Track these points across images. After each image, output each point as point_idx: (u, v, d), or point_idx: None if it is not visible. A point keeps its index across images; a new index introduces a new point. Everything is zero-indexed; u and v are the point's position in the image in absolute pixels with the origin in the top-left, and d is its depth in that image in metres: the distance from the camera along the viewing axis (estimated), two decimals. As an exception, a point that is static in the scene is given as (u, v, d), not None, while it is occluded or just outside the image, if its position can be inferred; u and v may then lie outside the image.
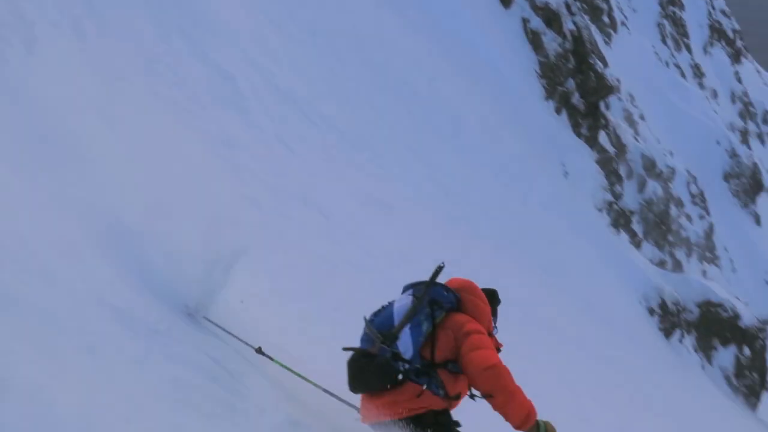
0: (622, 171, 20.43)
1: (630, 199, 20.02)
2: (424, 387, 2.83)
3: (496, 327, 3.16)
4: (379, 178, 8.55)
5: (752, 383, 17.25)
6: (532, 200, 13.15)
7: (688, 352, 16.44)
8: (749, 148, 35.52)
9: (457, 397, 2.95)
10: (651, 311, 15.15)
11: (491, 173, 12.52)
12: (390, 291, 3.30)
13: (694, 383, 14.89)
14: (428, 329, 2.91)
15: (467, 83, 14.22)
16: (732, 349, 16.67)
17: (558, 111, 16.77)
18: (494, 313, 3.17)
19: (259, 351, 3.23)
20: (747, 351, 16.70)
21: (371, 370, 2.85)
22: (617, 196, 17.54)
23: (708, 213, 30.63)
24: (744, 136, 36.43)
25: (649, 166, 22.37)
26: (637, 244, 19.56)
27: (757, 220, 34.38)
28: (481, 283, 3.20)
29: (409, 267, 6.82)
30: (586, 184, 15.61)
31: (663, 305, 14.99)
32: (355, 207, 7.15)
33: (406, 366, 2.85)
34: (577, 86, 16.59)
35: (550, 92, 16.53)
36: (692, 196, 30.18)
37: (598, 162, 16.96)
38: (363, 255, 6.32)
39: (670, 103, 30.32)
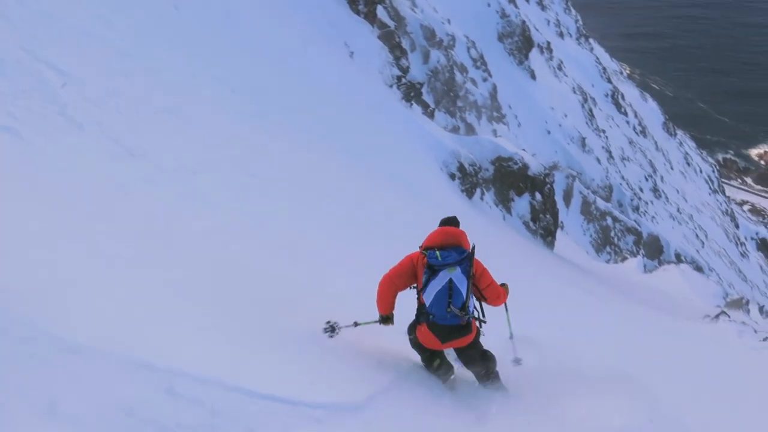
0: (405, 44, 20.57)
1: (417, 71, 20.33)
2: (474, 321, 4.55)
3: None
4: (167, 91, 7.62)
5: (547, 224, 18.96)
6: (323, 85, 12.71)
7: (489, 208, 17.54)
8: (516, 6, 37.46)
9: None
10: (452, 176, 15.76)
11: (276, 63, 11.83)
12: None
13: (498, 231, 15.95)
14: (469, 285, 4.38)
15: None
16: (526, 197, 18.05)
17: (332, -10, 16.12)
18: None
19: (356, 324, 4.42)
20: (539, 196, 18.16)
21: (466, 332, 4.41)
22: (404, 70, 17.62)
23: (490, 75, 32.31)
24: (511, -5, 38.21)
25: (430, 35, 22.73)
26: (431, 115, 20.11)
27: (533, 75, 36.94)
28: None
29: (209, 176, 6.27)
30: (373, 62, 15.43)
31: (461, 168, 15.64)
32: (142, 121, 6.31)
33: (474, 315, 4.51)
34: (346, -39, 15.98)
35: (320, -29, 15.76)
36: (474, 60, 31.51)
37: (380, 38, 16.80)
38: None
39: (441, -30, 30.68)
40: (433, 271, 4.27)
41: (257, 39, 11.74)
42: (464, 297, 4.27)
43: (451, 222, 4.63)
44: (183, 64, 8.86)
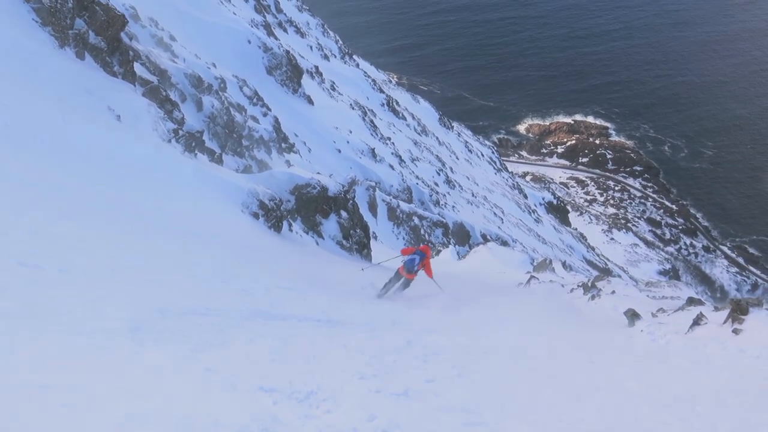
0: (174, 96, 19.95)
1: (193, 120, 19.78)
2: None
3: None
4: None
5: (359, 238, 19.33)
6: (91, 155, 11.84)
7: (300, 237, 17.49)
8: (276, 38, 38.04)
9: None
10: (256, 215, 15.50)
11: (33, 141, 10.81)
12: None
13: (313, 258, 15.96)
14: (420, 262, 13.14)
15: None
16: (333, 218, 18.25)
17: (81, 56, 15.18)
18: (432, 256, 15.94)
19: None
20: (344, 214, 18.45)
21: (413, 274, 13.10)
22: (180, 122, 17.04)
23: (269, 108, 32.40)
24: (268, 29, 38.74)
25: (197, 83, 22.25)
26: (219, 160, 19.66)
27: (310, 100, 37.65)
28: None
29: None
30: (143, 121, 14.71)
31: (263, 205, 15.43)
32: None
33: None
34: (88, 25, 15.12)
35: (63, 39, 14.78)
36: (249, 98, 31.44)
37: (145, 95, 16.09)
38: None
39: (192, 17, 30.32)
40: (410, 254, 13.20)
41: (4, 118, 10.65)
42: (415, 265, 12.88)
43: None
44: None
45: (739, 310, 8.79)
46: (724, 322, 8.87)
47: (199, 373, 5.48)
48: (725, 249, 64.97)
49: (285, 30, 45.51)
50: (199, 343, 6.33)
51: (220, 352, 6.21)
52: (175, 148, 15.25)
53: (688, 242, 65.86)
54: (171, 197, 12.17)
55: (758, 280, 61.14)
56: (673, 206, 69.03)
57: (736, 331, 8.45)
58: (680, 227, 67.12)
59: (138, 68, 17.42)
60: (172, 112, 16.91)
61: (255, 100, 31.32)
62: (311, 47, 47.69)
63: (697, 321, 9.27)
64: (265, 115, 31.31)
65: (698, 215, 68.48)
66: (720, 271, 62.43)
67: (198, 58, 27.77)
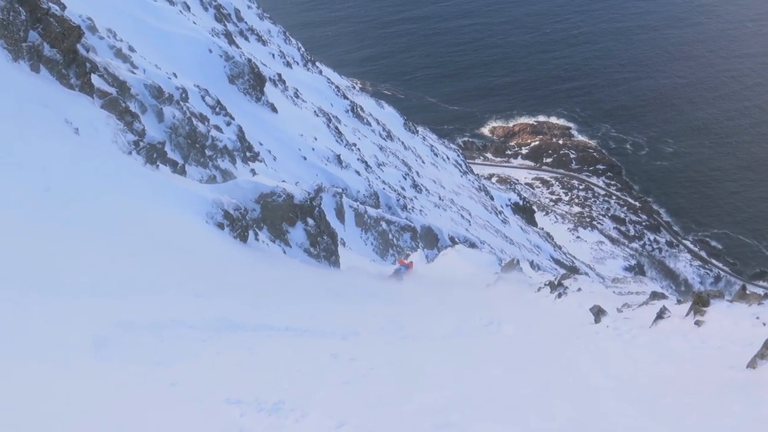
0: (134, 107, 19.67)
1: (154, 131, 19.52)
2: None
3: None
4: None
5: (327, 245, 19.26)
6: (53, 170, 11.59)
7: (267, 246, 17.36)
8: (238, 47, 37.79)
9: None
10: (221, 225, 15.33)
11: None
12: None
13: (280, 266, 15.86)
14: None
15: None
16: (299, 226, 18.15)
17: (36, 69, 14.86)
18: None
19: None
20: (311, 222, 18.37)
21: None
22: (140, 134, 16.79)
23: (233, 118, 32.14)
24: (229, 37, 38.48)
25: (158, 93, 21.97)
26: (182, 171, 19.42)
27: (274, 108, 37.47)
28: None
29: None
30: (102, 133, 14.46)
31: (228, 215, 15.28)
32: None
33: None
34: (43, 37, 14.83)
35: (16, 52, 14.46)
36: (211, 107, 31.16)
37: (104, 107, 15.81)
38: None
39: (151, 27, 29.97)
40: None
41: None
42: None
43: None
44: None
45: (700, 303, 8.97)
46: (687, 314, 9.04)
47: (164, 388, 5.40)
48: (688, 243, 66.29)
49: (246, 38, 45.23)
50: (165, 356, 6.24)
51: (186, 366, 6.13)
52: (136, 160, 15.02)
53: (652, 238, 67.05)
54: (132, 210, 11.98)
55: (720, 272, 62.49)
56: (636, 203, 70.24)
57: (698, 323, 8.61)
58: (644, 223, 68.31)
59: (96, 80, 17.13)
60: (133, 123, 16.65)
61: (218, 109, 31.04)
62: (273, 55, 47.47)
63: (660, 315, 9.43)
64: (228, 124, 31.04)
65: (661, 211, 69.79)
66: (683, 265, 63.67)
67: (158, 68, 27.43)
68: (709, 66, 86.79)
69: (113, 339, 6.18)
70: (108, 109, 15.75)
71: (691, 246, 65.79)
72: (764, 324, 7.82)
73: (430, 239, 37.72)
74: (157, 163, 16.56)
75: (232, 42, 38.16)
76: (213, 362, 6.48)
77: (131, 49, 26.39)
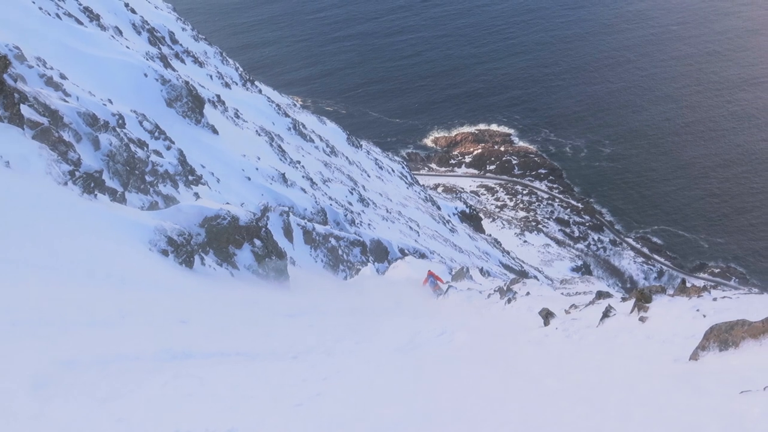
0: (69, 136, 19.13)
1: (90, 159, 19.00)
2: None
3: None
4: None
5: (276, 265, 19.06)
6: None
7: (214, 270, 17.07)
8: (174, 69, 37.24)
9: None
10: (165, 252, 15.02)
11: None
12: None
13: (228, 290, 15.61)
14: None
15: None
16: (246, 247, 17.92)
17: (-40, 102, 14.34)
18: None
19: None
20: (258, 243, 18.16)
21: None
22: (76, 163, 16.33)
23: (173, 142, 31.60)
24: (164, 60, 37.90)
25: (92, 121, 21.42)
26: (122, 199, 18.96)
27: (214, 130, 37.01)
28: None
29: None
30: (35, 165, 14.01)
31: (171, 241, 14.98)
32: None
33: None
34: (-33, 67, 14.32)
35: (-61, 85, 13.94)
36: (150, 132, 30.57)
37: (36, 138, 15.33)
38: None
39: (83, 53, 29.28)
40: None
41: None
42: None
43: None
44: None
45: (643, 299, 9.21)
46: (631, 311, 9.27)
47: (110, 425, 5.22)
48: (630, 241, 68.20)
49: (182, 60, 44.62)
50: (110, 392, 6.04)
51: (132, 400, 5.94)
52: (73, 191, 14.59)
53: (596, 238, 68.71)
54: (69, 243, 11.61)
55: (663, 267, 64.46)
56: (579, 204, 71.94)
57: (642, 319, 8.84)
58: (587, 224, 69.97)
59: (26, 110, 16.59)
60: (67, 153, 16.19)
61: (157, 133, 30.47)
62: (211, 76, 46.94)
63: (606, 313, 9.64)
64: (168, 148, 30.49)
65: (603, 211, 71.66)
66: (628, 262, 65.43)
67: (92, 95, 26.78)
68: (639, 70, 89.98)
69: (54, 378, 5.95)
70: (40, 140, 15.28)
71: (634, 243, 67.70)
72: (704, 316, 8.08)
73: (380, 253, 37.76)
74: (95, 193, 16.11)
75: (167, 65, 37.59)
76: (161, 394, 6.30)
77: (62, 76, 25.71)
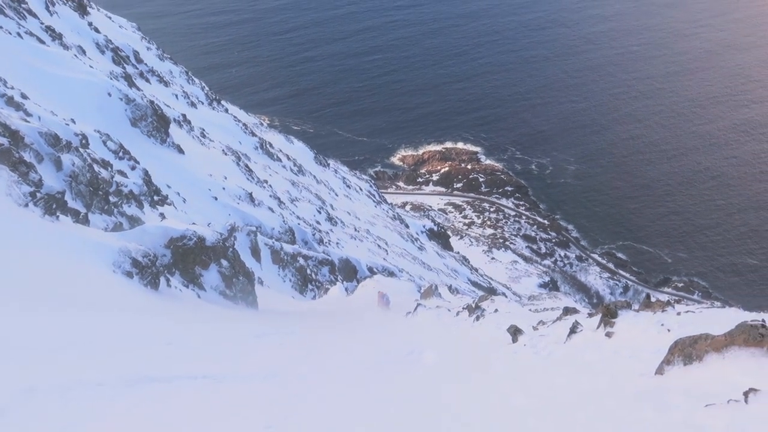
0: (30, 156, 18.76)
1: (52, 180, 18.65)
2: None
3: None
4: None
5: (243, 285, 18.87)
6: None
7: (180, 291, 16.81)
8: (139, 89, 36.88)
9: None
10: (129, 274, 14.77)
11: None
12: None
13: (194, 312, 15.39)
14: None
15: None
16: (213, 268, 17.72)
17: None
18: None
19: None
20: (225, 263, 17.97)
21: None
22: (37, 184, 16.02)
23: (137, 161, 31.21)
24: (129, 80, 37.52)
25: (54, 141, 21.05)
26: (84, 221, 18.61)
27: (180, 150, 36.67)
28: None
29: None
30: (-6, 186, 13.72)
31: (136, 263, 14.73)
32: None
33: None
34: (-77, 87, 13.97)
35: None
36: (114, 152, 30.16)
37: (-6, 158, 15.02)
38: None
39: (44, 73, 28.86)
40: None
41: None
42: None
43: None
44: None
45: (609, 314, 9.32)
46: (598, 327, 9.37)
47: (70, 455, 5.07)
48: (596, 257, 69.13)
49: (147, 80, 44.23)
50: (71, 420, 5.88)
51: (94, 428, 5.79)
52: (34, 212, 14.30)
53: (562, 254, 69.50)
54: (30, 265, 11.34)
55: (628, 282, 65.41)
56: (545, 221, 72.78)
57: (608, 335, 8.93)
58: (554, 240, 70.77)
59: (-15, 131, 16.26)
60: (28, 174, 15.87)
61: (121, 153, 30.06)
62: (177, 95, 46.59)
63: (573, 329, 9.72)
64: (133, 168, 30.09)
65: (569, 227, 72.58)
66: (594, 277, 66.25)
67: (54, 115, 26.33)
68: (602, 90, 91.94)
69: (12, 408, 5.77)
70: (0, 161, 14.97)
71: (600, 259, 68.64)
72: (669, 330, 8.20)
73: (348, 271, 37.64)
74: (57, 214, 15.81)
75: (132, 84, 37.21)
76: (125, 420, 6.16)
77: (24, 96, 25.27)
